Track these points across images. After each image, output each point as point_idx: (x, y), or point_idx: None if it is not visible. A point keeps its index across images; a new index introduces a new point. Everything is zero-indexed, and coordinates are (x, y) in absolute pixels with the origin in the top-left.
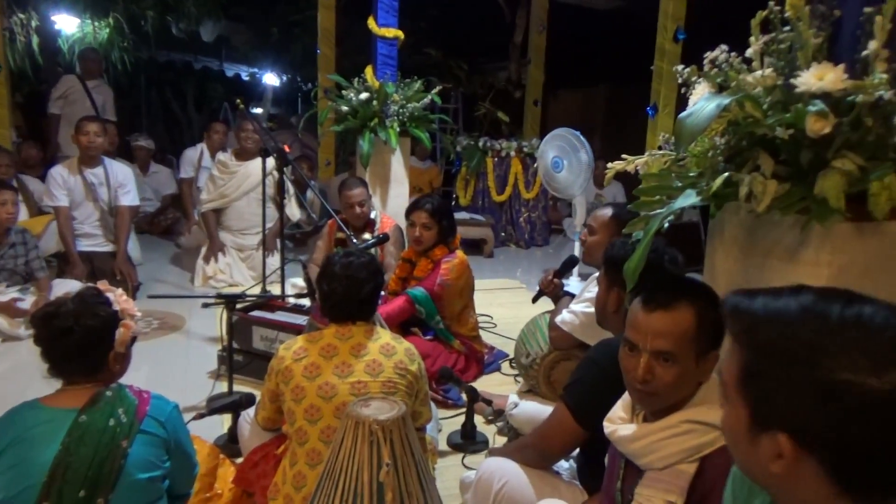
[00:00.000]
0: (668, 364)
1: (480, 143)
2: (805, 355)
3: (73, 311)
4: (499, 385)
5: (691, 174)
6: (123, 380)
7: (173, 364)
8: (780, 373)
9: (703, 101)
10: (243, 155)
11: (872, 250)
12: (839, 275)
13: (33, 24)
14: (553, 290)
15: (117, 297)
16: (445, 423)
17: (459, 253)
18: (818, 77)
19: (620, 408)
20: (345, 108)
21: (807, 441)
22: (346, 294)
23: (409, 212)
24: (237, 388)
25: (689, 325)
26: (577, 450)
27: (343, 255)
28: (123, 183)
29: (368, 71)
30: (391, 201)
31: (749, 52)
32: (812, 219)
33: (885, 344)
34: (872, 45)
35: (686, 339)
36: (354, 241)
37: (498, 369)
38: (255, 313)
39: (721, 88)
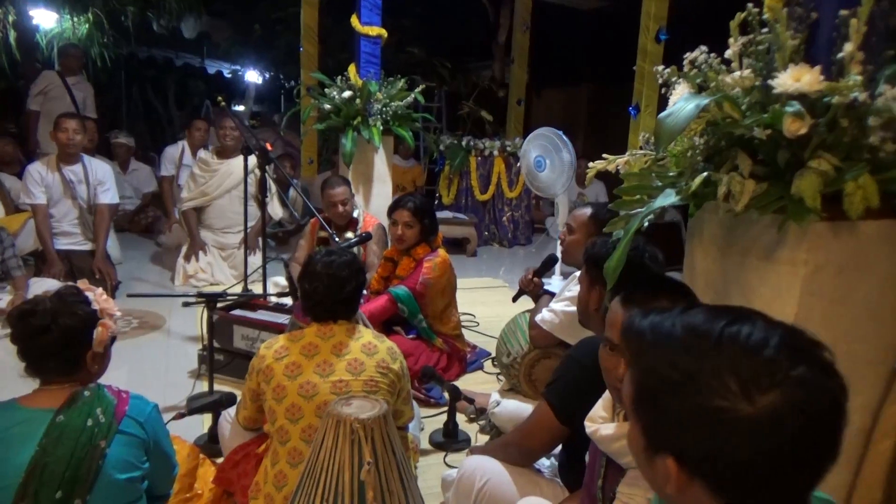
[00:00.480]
0: None
1: (464, 142)
2: (683, 382)
3: (51, 309)
4: (481, 384)
5: (671, 174)
6: (102, 380)
7: (153, 363)
8: (662, 399)
9: (682, 102)
10: (224, 153)
11: (848, 249)
12: (815, 273)
13: (10, 18)
14: (533, 289)
15: (97, 297)
16: (428, 421)
17: (441, 251)
18: (795, 78)
19: (601, 407)
20: (328, 107)
21: (691, 464)
22: (328, 293)
23: (392, 210)
24: (218, 387)
25: None
26: (559, 448)
27: (325, 254)
28: (103, 181)
29: (352, 69)
30: (374, 200)
31: (728, 53)
32: (789, 218)
33: (757, 366)
34: (848, 47)
35: None
36: (337, 239)
37: (480, 368)
38: (237, 312)
39: (700, 89)
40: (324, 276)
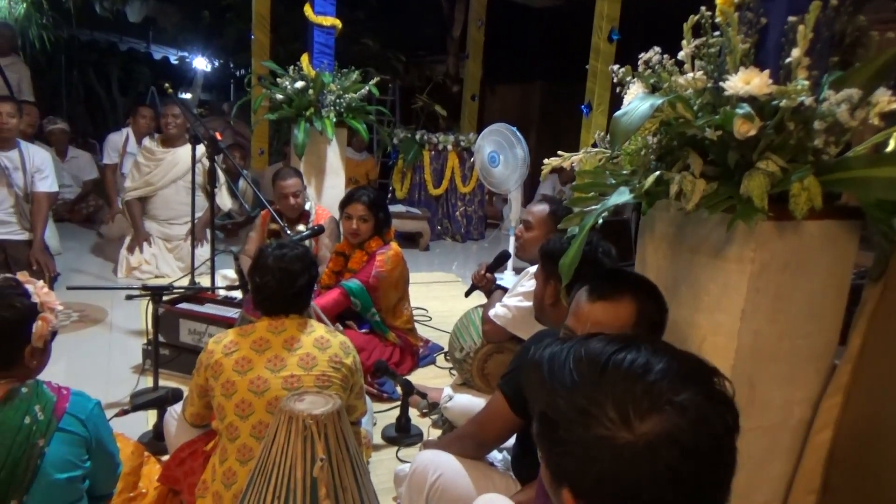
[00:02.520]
0: None
1: (417, 136)
2: (570, 415)
3: None
4: (434, 378)
5: (624, 172)
6: (41, 376)
7: (95, 358)
8: (555, 431)
9: (637, 101)
10: (169, 141)
11: (792, 248)
12: (761, 271)
13: None
14: (486, 285)
15: (37, 289)
16: (380, 416)
17: (394, 244)
18: (745, 81)
19: None
20: (279, 97)
21: (583, 495)
22: (279, 287)
23: (345, 204)
24: (163, 383)
25: (629, 318)
26: (512, 442)
27: (276, 247)
28: (41, 168)
29: (304, 59)
30: (326, 192)
31: (681, 55)
32: (737, 217)
33: (638, 394)
34: (795, 52)
35: (624, 332)
36: (288, 232)
37: (433, 362)
38: (183, 306)
39: (654, 89)
40: (275, 269)
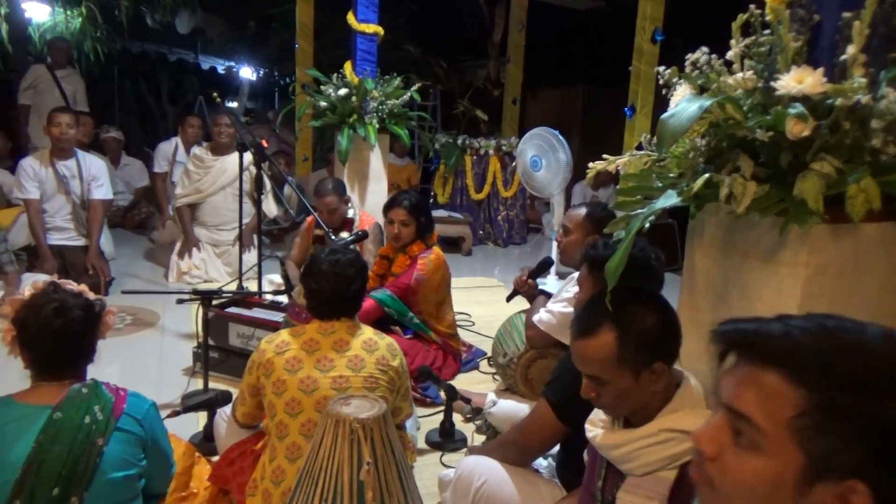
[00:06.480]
0: (602, 387)
1: (459, 141)
2: (890, 390)
3: (59, 306)
4: (477, 383)
5: (671, 175)
6: (98, 376)
7: (147, 361)
8: (865, 410)
9: (684, 103)
10: (219, 149)
11: (848, 251)
12: (816, 275)
13: (2, 11)
14: (527, 291)
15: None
16: (424, 421)
17: (436, 249)
18: (798, 80)
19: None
20: (323, 104)
21: (887, 491)
22: (335, 291)
23: (387, 209)
24: (213, 385)
25: (611, 351)
26: (556, 448)
27: (329, 253)
28: (97, 176)
29: (347, 66)
30: (369, 198)
31: (730, 55)
32: (791, 220)
33: None
34: (851, 49)
35: (609, 364)
36: (333, 237)
37: (476, 367)
38: (232, 310)
39: (702, 90)
40: (331, 275)
